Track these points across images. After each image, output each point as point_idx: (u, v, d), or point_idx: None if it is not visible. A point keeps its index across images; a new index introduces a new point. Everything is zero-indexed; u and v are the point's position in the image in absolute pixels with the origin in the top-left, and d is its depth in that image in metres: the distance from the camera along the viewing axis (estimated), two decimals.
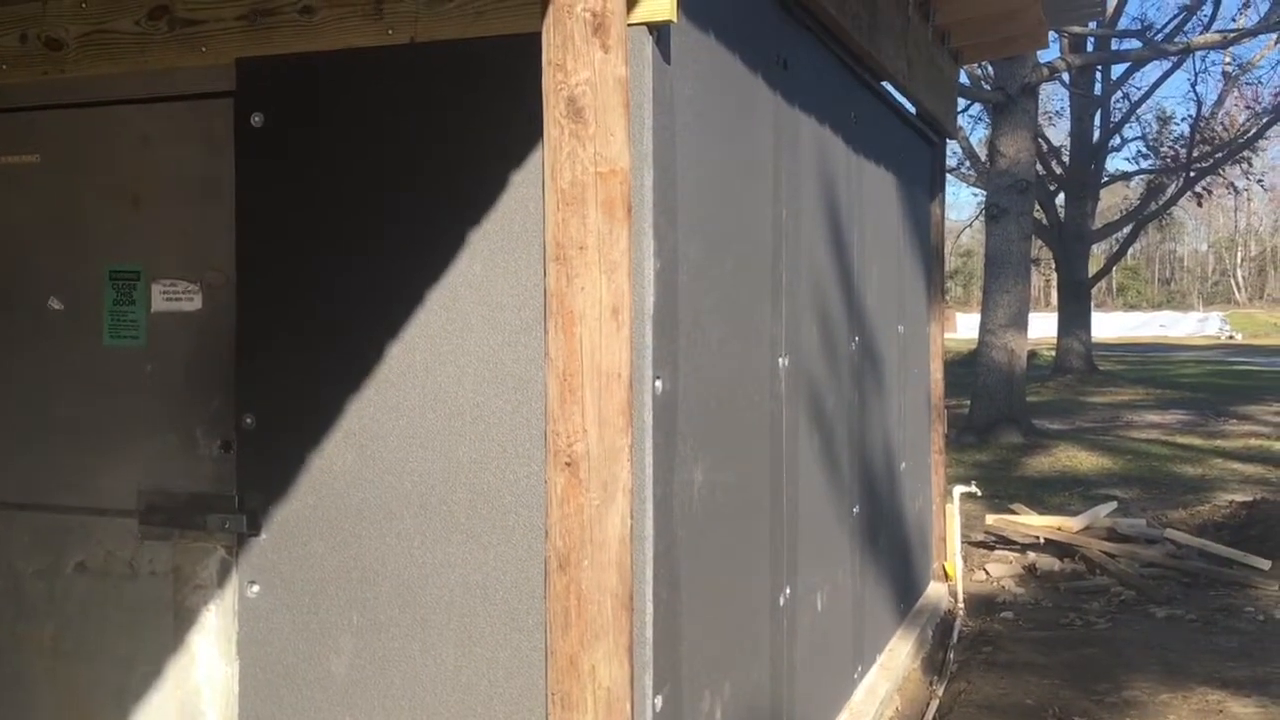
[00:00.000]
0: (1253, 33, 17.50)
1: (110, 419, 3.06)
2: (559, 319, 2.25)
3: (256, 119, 2.87)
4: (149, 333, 3.03)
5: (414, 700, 2.74)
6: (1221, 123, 24.89)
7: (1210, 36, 17.37)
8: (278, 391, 2.86)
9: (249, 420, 2.88)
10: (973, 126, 24.85)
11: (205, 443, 2.97)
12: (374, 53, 2.75)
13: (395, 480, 2.76)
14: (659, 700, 2.57)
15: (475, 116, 2.69)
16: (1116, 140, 24.75)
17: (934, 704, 4.90)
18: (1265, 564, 7.22)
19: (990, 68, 15.51)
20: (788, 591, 3.62)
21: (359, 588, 2.79)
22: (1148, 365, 28.16)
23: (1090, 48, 19.34)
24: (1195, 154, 22.82)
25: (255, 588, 2.88)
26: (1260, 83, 27.40)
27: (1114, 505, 8.72)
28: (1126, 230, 25.24)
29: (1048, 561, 7.55)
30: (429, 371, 2.74)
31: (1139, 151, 25.57)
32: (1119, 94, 23.91)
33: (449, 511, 2.72)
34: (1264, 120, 23.08)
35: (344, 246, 2.80)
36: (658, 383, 2.58)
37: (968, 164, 23.43)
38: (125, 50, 2.95)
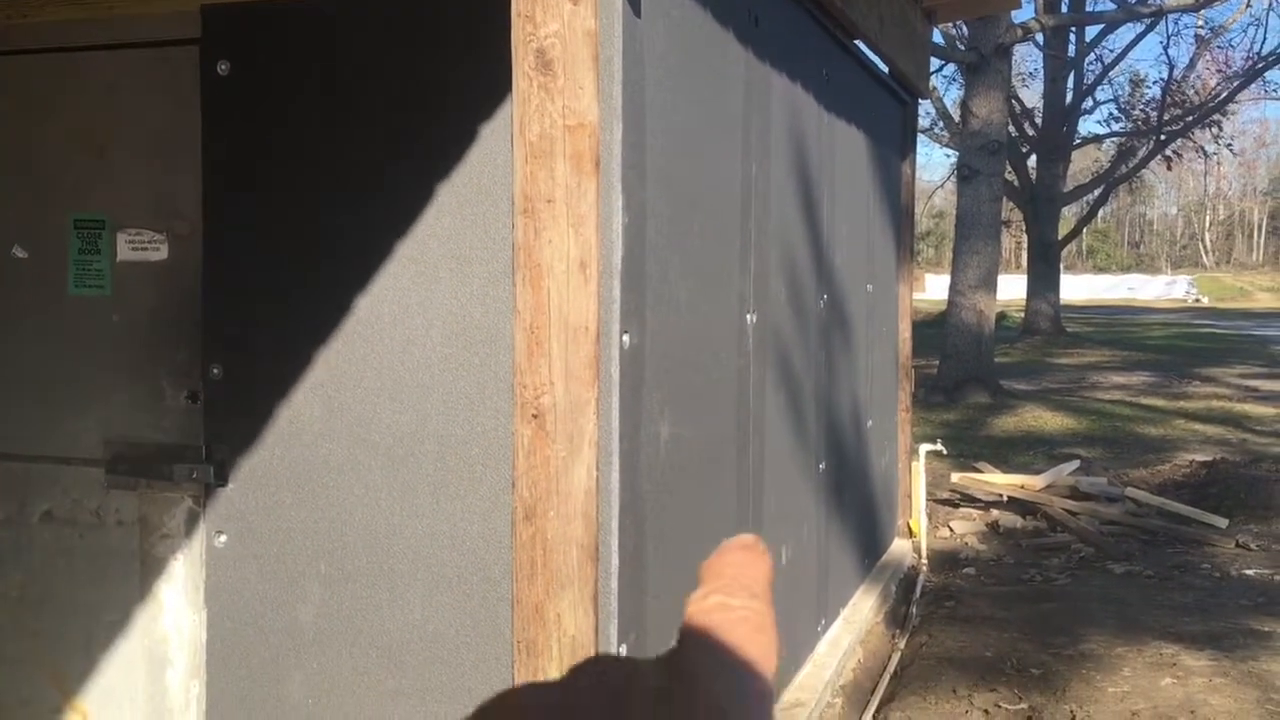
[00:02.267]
0: None
1: (76, 368, 3.05)
2: (526, 272, 2.27)
3: (222, 67, 2.84)
4: (115, 282, 3.01)
5: (382, 648, 2.77)
6: (1193, 86, 24.99)
7: None
8: (245, 343, 2.86)
9: (216, 371, 2.88)
10: (947, 87, 24.84)
11: (172, 393, 2.97)
12: (343, 0, 2.72)
13: (364, 431, 2.77)
14: (624, 649, 2.61)
15: (444, 67, 2.68)
16: (1089, 102, 24.81)
17: (895, 656, 4.99)
18: (1223, 522, 7.37)
19: (964, 27, 15.49)
20: None
21: (327, 538, 2.81)
22: (1115, 327, 28.44)
23: (1065, 9, 19.34)
24: (1166, 117, 22.92)
25: (223, 537, 2.90)
26: (1232, 46, 27.50)
27: (1077, 464, 8.85)
28: (1097, 193, 25.38)
29: (1010, 519, 7.67)
30: (397, 324, 2.74)
31: (1111, 114, 25.66)
32: (1092, 56, 23.96)
33: (417, 463, 2.73)
34: (1234, 84, 23.19)
35: (311, 197, 2.79)
36: (625, 337, 2.60)
37: (941, 125, 23.43)
38: None
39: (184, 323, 2.95)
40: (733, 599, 0.43)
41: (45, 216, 3.06)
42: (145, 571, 3.00)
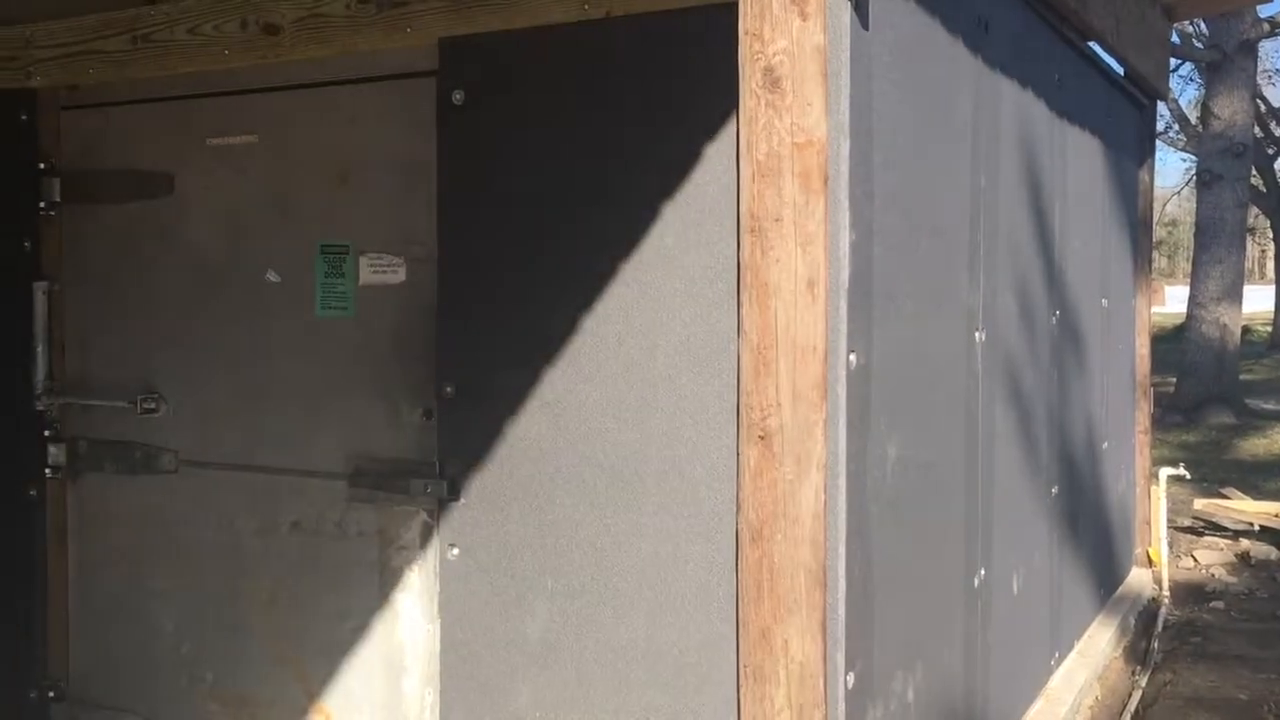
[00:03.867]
0: None
1: (321, 386, 3.22)
2: (753, 291, 2.24)
3: (458, 97, 2.95)
4: (357, 304, 3.17)
5: (606, 665, 2.79)
6: None
7: None
8: (476, 362, 2.95)
9: (449, 389, 2.98)
10: (1182, 88, 23.43)
11: (408, 410, 3.09)
12: (570, 28, 2.78)
13: (589, 449, 2.81)
14: (851, 678, 2.54)
15: (669, 89, 2.69)
16: None
17: (1137, 694, 4.68)
18: None
19: (1204, 24, 14.56)
20: (982, 573, 3.52)
21: (553, 554, 2.86)
22: None
23: None
24: None
25: (455, 550, 2.99)
26: None
27: None
28: None
29: (1263, 550, 7.10)
30: (621, 343, 2.77)
31: None
32: None
33: (640, 481, 2.75)
34: None
35: (540, 220, 2.85)
36: (852, 356, 2.54)
37: (1176, 127, 22.11)
38: (336, 33, 3.08)
39: (419, 342, 3.06)
40: None
41: (295, 242, 3.25)
42: (384, 581, 3.13)
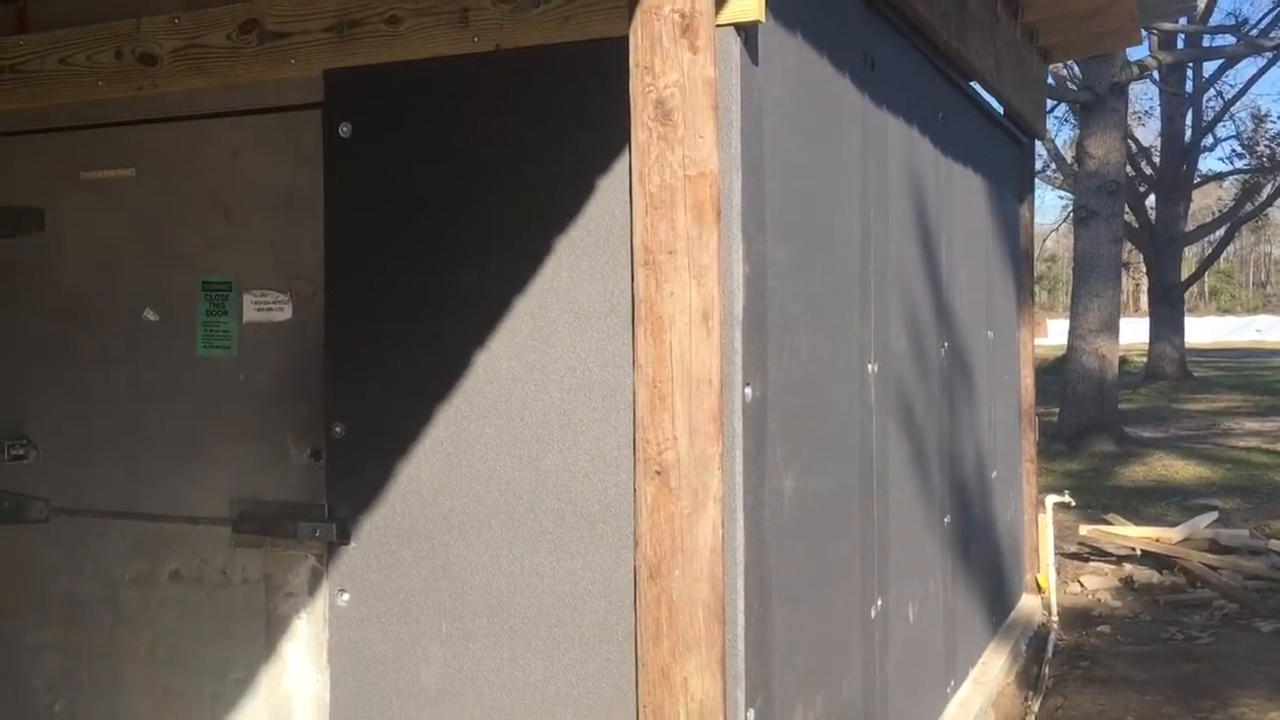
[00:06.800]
0: None
1: (203, 428, 3.10)
2: (648, 325, 2.22)
3: (344, 129, 2.88)
4: (240, 343, 3.06)
5: (503, 710, 2.72)
6: None
7: None
8: (366, 400, 2.87)
9: (338, 429, 2.89)
10: (1058, 128, 24.39)
11: (296, 452, 2.99)
12: (460, 60, 2.74)
13: (483, 489, 2.75)
14: (751, 714, 2.51)
15: (561, 122, 2.67)
16: (1209, 140, 24.10)
17: None
18: None
19: (1077, 67, 15.17)
20: (879, 603, 3.54)
21: (447, 597, 2.78)
22: (1244, 371, 27.27)
23: (1181, 45, 18.84)
24: None
25: (345, 596, 2.89)
26: None
27: (1214, 516, 8.43)
28: (1220, 232, 24.54)
29: (1145, 574, 7.32)
30: (516, 379, 2.72)
31: (1233, 151, 24.88)
32: (1212, 92, 23.27)
33: (536, 520, 2.70)
34: None
35: (430, 254, 2.80)
36: (747, 389, 2.53)
37: (1053, 166, 22.97)
38: (217, 64, 2.99)
39: (307, 381, 2.97)
40: None
41: (174, 280, 3.13)
42: (270, 630, 3.01)
